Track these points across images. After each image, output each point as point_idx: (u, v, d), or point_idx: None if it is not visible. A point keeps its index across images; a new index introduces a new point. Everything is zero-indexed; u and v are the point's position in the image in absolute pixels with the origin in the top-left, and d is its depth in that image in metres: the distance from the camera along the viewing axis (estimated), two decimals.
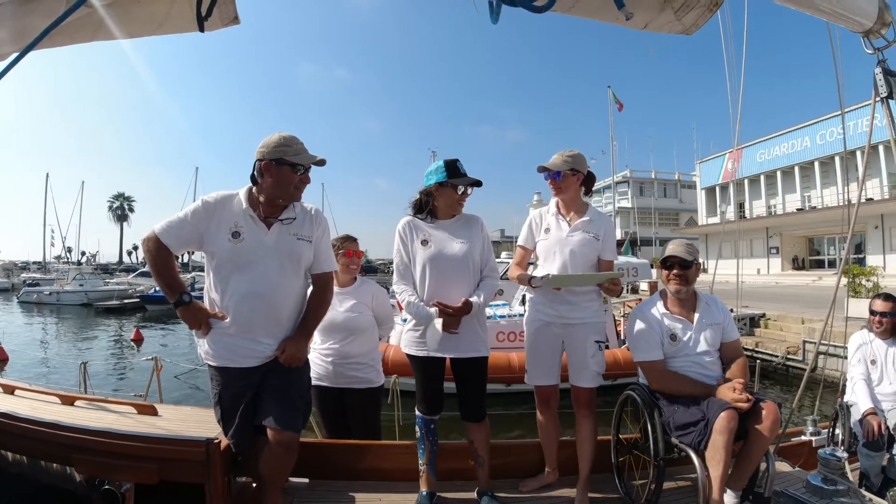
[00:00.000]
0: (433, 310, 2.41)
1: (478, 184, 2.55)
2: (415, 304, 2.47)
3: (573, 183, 2.68)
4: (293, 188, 2.19)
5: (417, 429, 2.59)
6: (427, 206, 2.58)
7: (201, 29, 1.97)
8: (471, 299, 2.43)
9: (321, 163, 2.23)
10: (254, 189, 2.22)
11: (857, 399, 3.29)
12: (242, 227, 2.14)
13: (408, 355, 2.57)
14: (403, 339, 2.59)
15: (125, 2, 1.91)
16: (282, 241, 2.19)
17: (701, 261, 2.80)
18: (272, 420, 2.10)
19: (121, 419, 2.75)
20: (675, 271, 2.58)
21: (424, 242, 2.52)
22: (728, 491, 2.27)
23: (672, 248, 2.62)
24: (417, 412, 2.59)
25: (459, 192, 2.53)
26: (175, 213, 2.16)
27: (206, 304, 2.20)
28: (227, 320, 2.13)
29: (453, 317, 2.39)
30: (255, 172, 2.18)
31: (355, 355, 3.06)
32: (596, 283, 2.60)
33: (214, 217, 2.15)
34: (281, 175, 2.14)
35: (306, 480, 2.71)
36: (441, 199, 2.55)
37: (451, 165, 2.51)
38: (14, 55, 1.70)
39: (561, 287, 2.58)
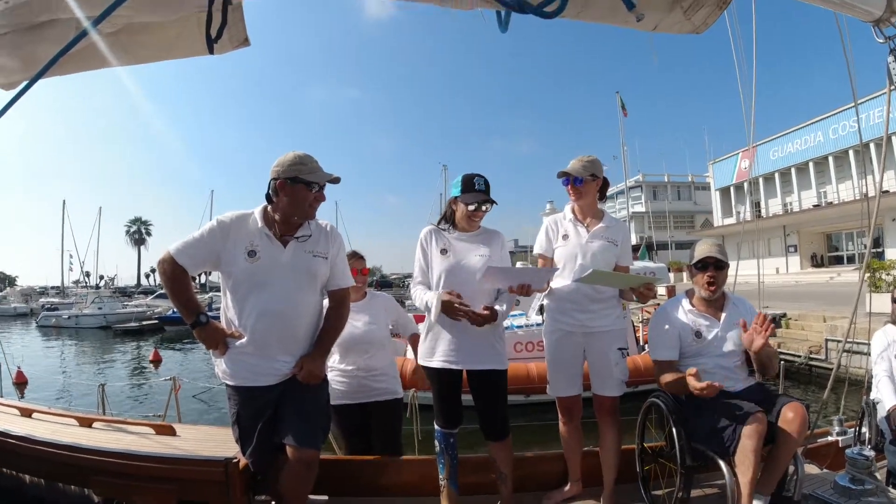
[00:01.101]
0: (439, 293, 2.41)
1: (489, 202, 2.52)
2: (426, 297, 2.46)
3: (593, 188, 2.66)
4: (308, 206, 2.20)
5: (437, 443, 2.56)
6: (451, 218, 2.60)
7: (211, 51, 1.98)
8: (495, 307, 2.41)
9: (336, 180, 2.23)
10: (269, 208, 2.22)
11: (883, 395, 3.21)
12: (258, 246, 2.14)
13: (422, 367, 2.56)
14: (419, 350, 2.59)
15: (133, 28, 1.92)
16: (298, 258, 2.19)
17: None
18: (291, 438, 2.09)
19: (139, 440, 2.75)
20: (709, 273, 2.49)
21: (444, 251, 2.52)
22: (757, 496, 2.21)
23: (706, 249, 2.50)
24: (436, 426, 2.56)
25: (470, 209, 2.51)
26: (190, 233, 2.17)
27: (224, 323, 2.19)
28: (244, 339, 2.12)
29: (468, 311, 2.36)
30: (271, 191, 2.18)
31: (377, 368, 3.05)
32: (632, 285, 2.55)
33: (230, 236, 2.15)
34: (296, 193, 2.15)
35: (325, 497, 2.68)
36: (457, 213, 2.56)
37: (468, 181, 2.50)
38: (24, 83, 1.72)
39: (596, 284, 2.53)
